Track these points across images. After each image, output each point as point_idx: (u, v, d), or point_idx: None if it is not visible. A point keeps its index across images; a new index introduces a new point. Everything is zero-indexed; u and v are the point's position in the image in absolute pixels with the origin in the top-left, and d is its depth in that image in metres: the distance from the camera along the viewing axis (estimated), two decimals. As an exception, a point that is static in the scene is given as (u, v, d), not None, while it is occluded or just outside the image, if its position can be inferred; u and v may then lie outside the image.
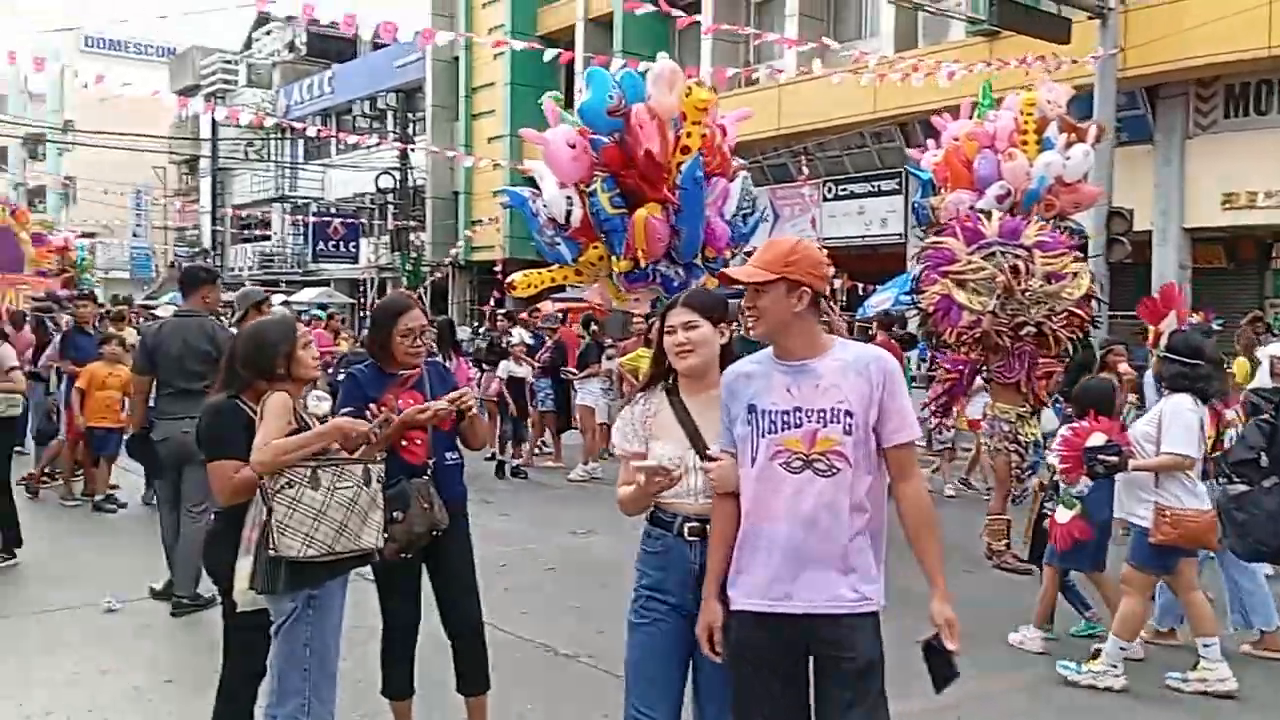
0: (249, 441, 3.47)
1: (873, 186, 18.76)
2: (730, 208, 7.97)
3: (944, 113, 10.88)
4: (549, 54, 13.20)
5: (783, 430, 2.79)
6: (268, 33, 39.77)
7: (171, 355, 6.24)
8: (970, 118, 10.44)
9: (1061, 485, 5.64)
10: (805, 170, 18.00)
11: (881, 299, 16.86)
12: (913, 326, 15.83)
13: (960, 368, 8.10)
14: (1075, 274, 7.57)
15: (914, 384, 16.40)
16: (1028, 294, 7.40)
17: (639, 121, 6.61)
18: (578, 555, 8.07)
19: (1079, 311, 7.65)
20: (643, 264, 7.02)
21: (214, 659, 4.10)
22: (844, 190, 19.43)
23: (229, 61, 40.75)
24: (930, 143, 10.97)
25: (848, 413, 2.76)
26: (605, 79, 6.88)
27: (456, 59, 27.97)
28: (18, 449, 8.56)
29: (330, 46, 36.78)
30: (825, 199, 19.56)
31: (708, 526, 3.03)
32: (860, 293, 17.76)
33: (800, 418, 2.78)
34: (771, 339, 2.89)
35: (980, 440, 9.04)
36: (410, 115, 31.06)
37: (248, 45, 40.93)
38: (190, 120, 38.83)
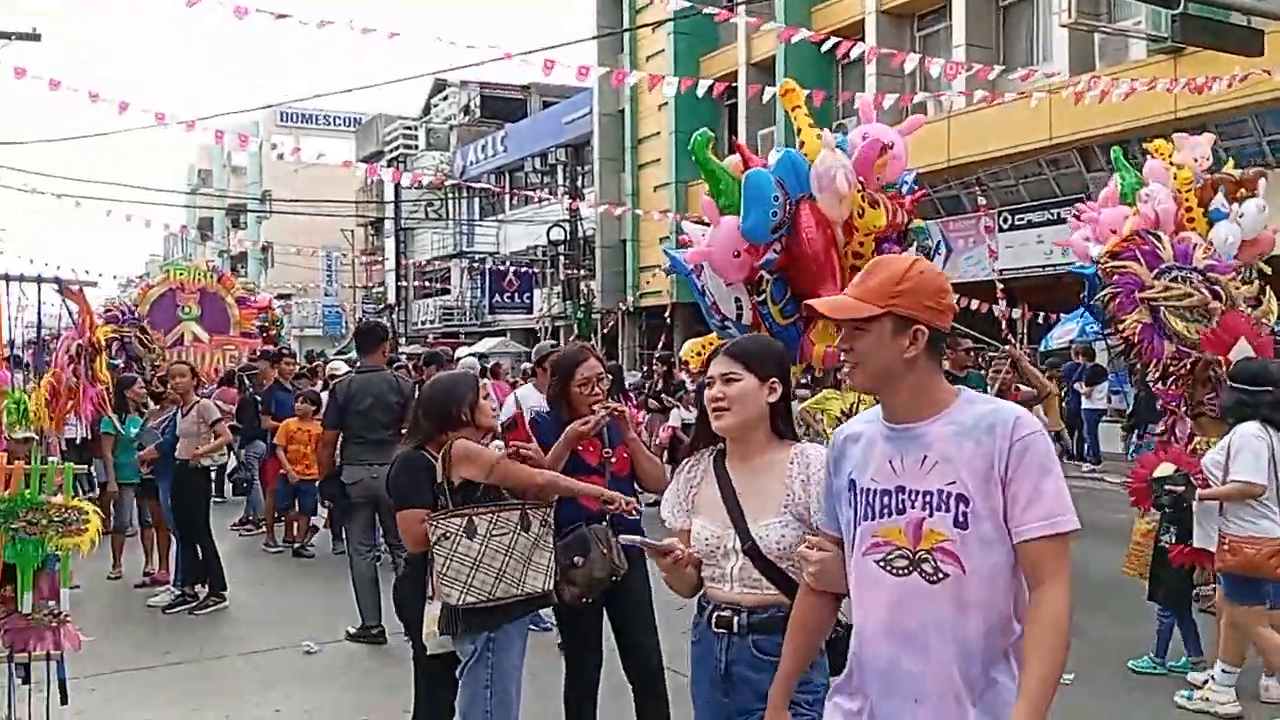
0: (434, 490, 3.64)
1: (1052, 214, 18.07)
2: None
3: (1088, 199, 10.12)
4: (702, 87, 13.43)
5: (881, 516, 2.14)
6: (444, 98, 41.66)
7: (362, 409, 6.66)
8: (1117, 203, 9.50)
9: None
10: (982, 200, 17.45)
11: (1066, 330, 16.21)
12: (1101, 359, 15.20)
13: (1172, 401, 7.58)
14: (1267, 299, 7.16)
15: (1104, 418, 15.73)
16: None
17: (809, 237, 5.84)
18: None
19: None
20: (818, 373, 6.69)
21: (405, 699, 4.25)
22: (1021, 219, 18.82)
23: (409, 127, 42.84)
24: (1072, 220, 10.21)
25: (960, 497, 2.06)
26: (765, 190, 5.76)
27: (622, 112, 28.63)
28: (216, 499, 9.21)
29: (502, 107, 38.30)
30: (1001, 229, 18.98)
31: (737, 617, 2.64)
32: (1040, 323, 17.11)
33: (903, 501, 2.12)
34: (875, 393, 2.24)
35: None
36: (579, 169, 31.92)
37: (426, 111, 42.96)
38: (375, 184, 41.03)
